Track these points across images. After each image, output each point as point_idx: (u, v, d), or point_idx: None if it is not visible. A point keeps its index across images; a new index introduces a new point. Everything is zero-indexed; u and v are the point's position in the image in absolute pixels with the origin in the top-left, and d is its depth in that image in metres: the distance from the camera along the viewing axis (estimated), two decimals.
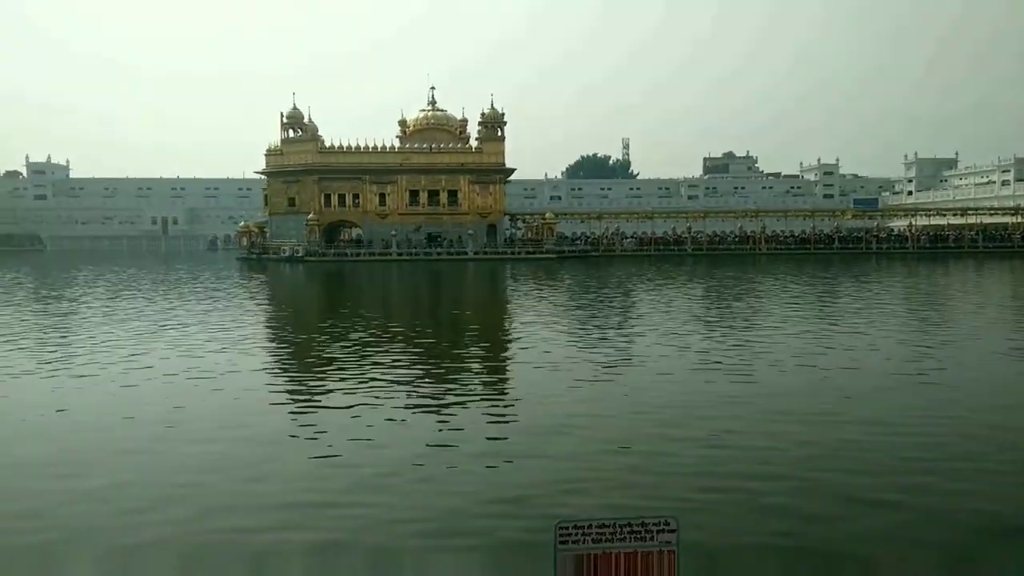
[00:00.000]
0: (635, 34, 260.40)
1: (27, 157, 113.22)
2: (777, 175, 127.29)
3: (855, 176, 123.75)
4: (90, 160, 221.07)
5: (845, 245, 66.81)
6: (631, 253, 65.92)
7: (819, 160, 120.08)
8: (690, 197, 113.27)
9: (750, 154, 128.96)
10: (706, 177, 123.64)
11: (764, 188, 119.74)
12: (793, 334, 16.32)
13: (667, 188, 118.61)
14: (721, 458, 7.54)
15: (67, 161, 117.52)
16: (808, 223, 71.67)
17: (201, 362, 13.38)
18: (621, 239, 69.25)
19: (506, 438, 8.52)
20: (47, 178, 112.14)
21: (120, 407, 9.97)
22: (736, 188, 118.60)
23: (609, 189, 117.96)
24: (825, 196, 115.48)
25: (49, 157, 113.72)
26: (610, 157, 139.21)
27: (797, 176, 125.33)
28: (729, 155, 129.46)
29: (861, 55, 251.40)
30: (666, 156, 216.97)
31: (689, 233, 68.47)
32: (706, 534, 5.67)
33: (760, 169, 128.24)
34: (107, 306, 24.30)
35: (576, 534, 3.03)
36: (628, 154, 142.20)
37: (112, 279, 38.87)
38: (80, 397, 10.71)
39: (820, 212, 77.27)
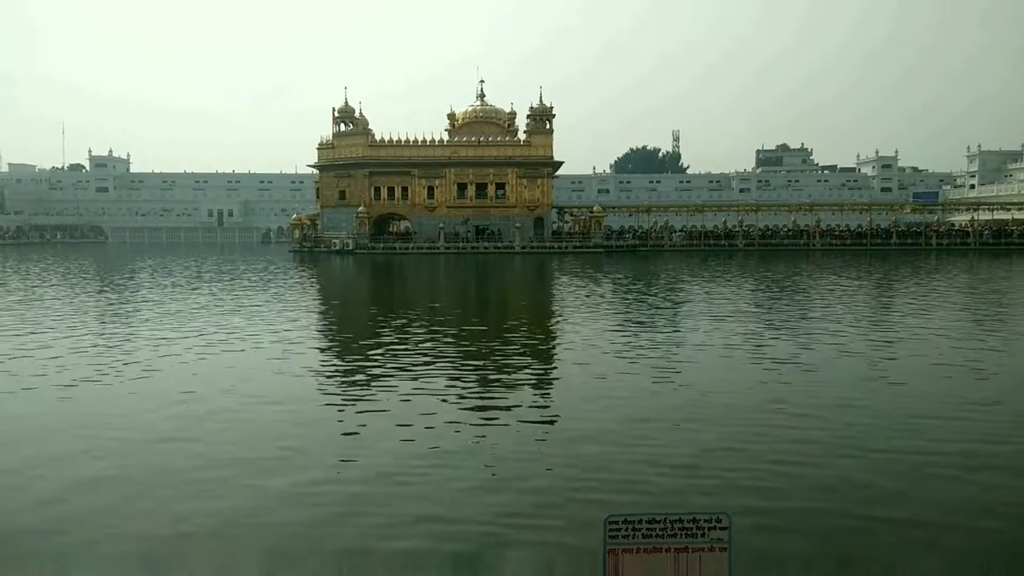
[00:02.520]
0: (685, 23, 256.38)
1: (90, 151, 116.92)
2: (833, 168, 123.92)
3: (915, 169, 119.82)
4: (149, 154, 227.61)
5: (903, 240, 64.80)
6: (680, 247, 65.02)
7: (877, 152, 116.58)
8: (742, 190, 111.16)
9: (805, 146, 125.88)
10: (759, 170, 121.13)
11: (819, 181, 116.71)
12: (852, 330, 15.89)
13: (718, 181, 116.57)
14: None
15: (128, 155, 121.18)
16: (865, 217, 69.72)
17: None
18: (670, 233, 68.34)
19: (555, 428, 8.46)
20: (109, 171, 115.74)
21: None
22: (790, 181, 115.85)
23: (658, 182, 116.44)
24: (883, 190, 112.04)
25: (111, 151, 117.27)
26: (659, 150, 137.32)
27: (854, 169, 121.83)
28: (783, 147, 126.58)
29: (914, 41, 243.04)
30: (718, 149, 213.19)
31: (740, 227, 67.24)
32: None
33: (815, 162, 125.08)
34: (184, 295, 25.03)
35: (625, 529, 2.97)
36: (679, 147, 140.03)
37: (178, 270, 39.95)
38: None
39: (878, 206, 75.01)
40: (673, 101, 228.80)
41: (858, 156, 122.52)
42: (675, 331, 16.45)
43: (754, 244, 64.61)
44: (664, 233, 68.12)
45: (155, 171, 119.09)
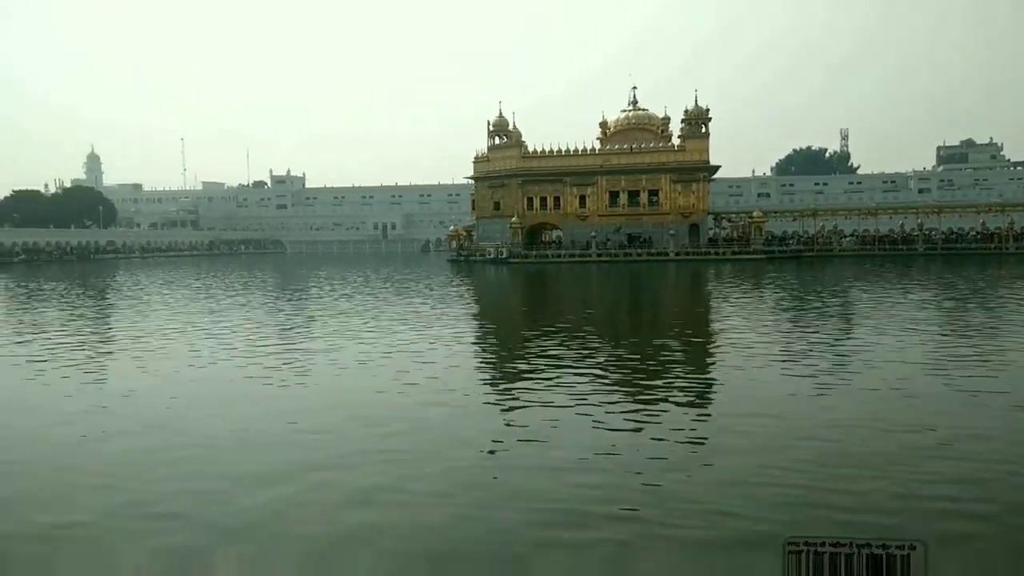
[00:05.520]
0: (851, 17, 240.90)
1: (271, 171, 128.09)
2: None
3: None
4: (323, 170, 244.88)
5: None
6: (851, 253, 60.93)
7: None
8: (921, 191, 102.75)
9: (994, 140, 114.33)
10: (940, 168, 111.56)
11: (1012, 180, 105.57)
12: None
13: (893, 182, 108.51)
14: None
15: (303, 173, 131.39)
16: None
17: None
18: (839, 238, 64.26)
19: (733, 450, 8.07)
20: (287, 188, 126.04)
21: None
22: (977, 180, 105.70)
23: (825, 184, 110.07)
24: None
25: (289, 171, 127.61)
26: (826, 150, 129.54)
27: None
28: (968, 143, 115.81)
29: None
30: (893, 147, 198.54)
31: (920, 230, 61.98)
32: None
33: (1006, 157, 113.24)
34: (365, 303, 26.72)
35: (807, 551, 2.69)
36: (847, 146, 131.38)
37: (353, 278, 42.82)
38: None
39: None
40: (842, 98, 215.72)
41: None
42: (859, 340, 15.30)
43: (936, 248, 59.35)
44: (832, 238, 64.18)
45: (327, 186, 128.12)
